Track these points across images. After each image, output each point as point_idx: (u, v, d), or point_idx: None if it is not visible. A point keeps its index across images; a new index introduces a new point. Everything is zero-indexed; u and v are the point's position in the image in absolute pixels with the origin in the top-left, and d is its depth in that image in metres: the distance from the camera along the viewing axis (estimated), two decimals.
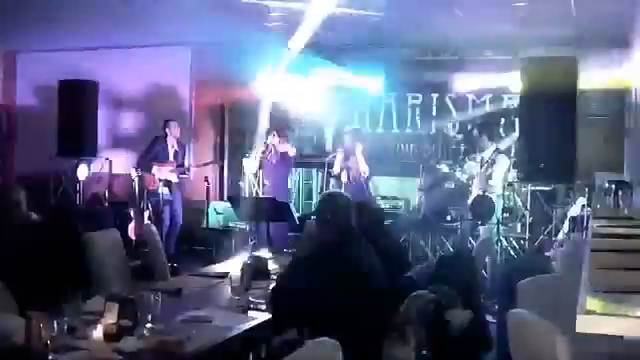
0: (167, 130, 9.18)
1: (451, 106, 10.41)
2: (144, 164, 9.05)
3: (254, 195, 9.51)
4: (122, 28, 9.38)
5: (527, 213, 8.58)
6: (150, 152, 9.15)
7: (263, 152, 8.74)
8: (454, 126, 10.39)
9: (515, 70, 8.25)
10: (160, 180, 8.95)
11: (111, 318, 3.44)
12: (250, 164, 9.11)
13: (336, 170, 8.95)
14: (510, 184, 8.63)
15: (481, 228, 8.08)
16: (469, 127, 10.12)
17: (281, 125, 9.65)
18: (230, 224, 9.83)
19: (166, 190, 9.02)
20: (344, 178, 8.91)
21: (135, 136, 10.68)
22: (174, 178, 9.14)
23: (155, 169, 8.98)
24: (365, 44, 9.90)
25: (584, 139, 8.15)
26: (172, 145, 9.24)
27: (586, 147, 8.33)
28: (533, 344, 2.76)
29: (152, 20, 8.61)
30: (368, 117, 10.86)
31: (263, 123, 9.63)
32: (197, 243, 9.67)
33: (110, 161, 10.40)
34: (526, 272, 4.25)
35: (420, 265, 5.17)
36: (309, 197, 11.06)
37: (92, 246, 5.07)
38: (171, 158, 9.20)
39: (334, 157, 9.25)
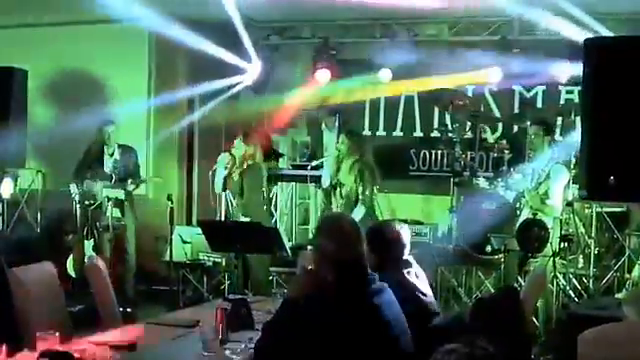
0: (103, 136, 9.21)
1: (491, 101, 10.45)
2: (80, 179, 9.09)
3: (232, 218, 9.51)
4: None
5: (592, 242, 8.58)
6: (84, 164, 9.20)
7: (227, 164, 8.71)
8: (496, 128, 10.41)
9: (577, 54, 8.27)
10: (108, 199, 8.96)
11: None
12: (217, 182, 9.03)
13: (325, 182, 8.87)
14: (570, 204, 8.63)
15: (532, 262, 8.09)
16: (515, 129, 10.14)
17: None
18: (201, 256, 9.82)
19: (116, 212, 9.03)
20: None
21: (76, 142, 10.65)
22: (121, 195, 9.15)
23: (86, 184, 9.03)
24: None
25: None
26: (111, 153, 9.26)
27: None
28: None
29: None
30: (382, 116, 10.90)
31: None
32: (157, 281, 9.67)
33: (43, 174, 10.40)
34: (590, 319, 4.26)
35: (452, 310, 5.19)
36: (305, 221, 11.07)
37: (19, 285, 5.07)
38: (108, 170, 9.21)
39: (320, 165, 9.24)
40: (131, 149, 9.55)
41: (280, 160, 10.95)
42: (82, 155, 9.33)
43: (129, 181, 9.25)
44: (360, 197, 8.48)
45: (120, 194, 9.13)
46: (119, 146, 9.35)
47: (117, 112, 9.91)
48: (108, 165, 9.26)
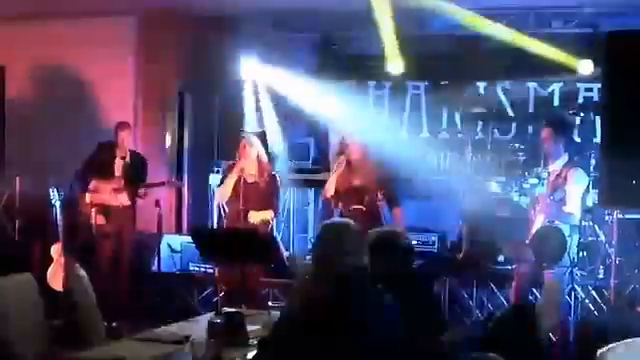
0: (118, 137, 9.17)
1: (504, 99, 10.45)
2: (82, 182, 9.05)
3: (225, 226, 9.50)
4: None
5: (612, 251, 8.58)
6: (93, 164, 9.15)
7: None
8: (509, 128, 10.41)
9: (596, 49, 8.28)
10: (94, 206, 8.93)
11: None
12: (223, 190, 9.05)
13: (330, 190, 8.82)
14: (589, 210, 8.62)
15: (547, 273, 8.09)
16: (530, 130, 10.14)
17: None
18: (192, 267, 9.81)
19: (101, 219, 9.01)
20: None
21: (56, 143, 10.65)
22: (114, 201, 9.13)
23: (92, 188, 8.99)
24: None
25: None
26: (121, 156, 9.22)
27: None
28: None
29: None
30: (387, 116, 10.90)
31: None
32: (145, 294, 9.66)
33: (21, 178, 10.39)
34: (610, 335, 4.26)
35: (461, 325, 5.20)
36: (304, 229, 11.06)
37: None
38: (118, 174, 9.19)
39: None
40: (142, 157, 9.50)
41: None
42: (89, 156, 9.25)
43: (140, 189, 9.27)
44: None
45: (110, 199, 9.09)
46: (130, 151, 9.31)
47: (102, 113, 9.93)
48: (118, 169, 9.21)
